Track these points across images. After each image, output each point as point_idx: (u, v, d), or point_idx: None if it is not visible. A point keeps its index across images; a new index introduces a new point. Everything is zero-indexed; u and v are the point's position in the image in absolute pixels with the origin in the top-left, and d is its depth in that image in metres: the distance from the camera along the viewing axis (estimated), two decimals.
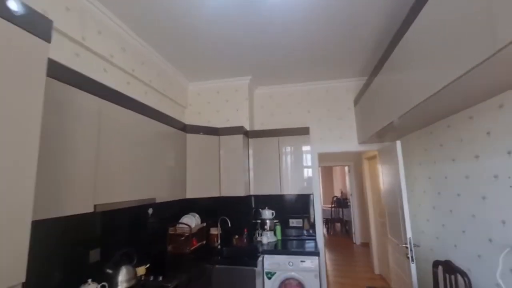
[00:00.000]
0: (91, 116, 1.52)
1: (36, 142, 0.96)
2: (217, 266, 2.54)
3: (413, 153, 2.76)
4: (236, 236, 3.09)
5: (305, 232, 3.32)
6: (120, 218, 2.07)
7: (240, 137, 3.02)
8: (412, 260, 2.32)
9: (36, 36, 1.00)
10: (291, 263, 2.71)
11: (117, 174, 1.70)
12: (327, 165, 6.49)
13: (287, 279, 2.71)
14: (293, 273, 2.71)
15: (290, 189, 3.16)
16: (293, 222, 3.35)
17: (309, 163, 3.19)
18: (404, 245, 2.44)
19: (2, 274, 0.83)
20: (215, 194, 2.93)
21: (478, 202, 1.78)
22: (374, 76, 2.60)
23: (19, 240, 0.89)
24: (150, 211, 2.44)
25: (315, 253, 2.72)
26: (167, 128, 2.40)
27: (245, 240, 3.07)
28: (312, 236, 3.29)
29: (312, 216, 3.34)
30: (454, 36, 1.32)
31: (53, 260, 1.51)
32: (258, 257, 2.66)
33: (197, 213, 2.98)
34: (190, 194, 2.71)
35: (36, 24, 1.00)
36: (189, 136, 2.80)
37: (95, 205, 1.49)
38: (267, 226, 3.19)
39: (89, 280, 1.63)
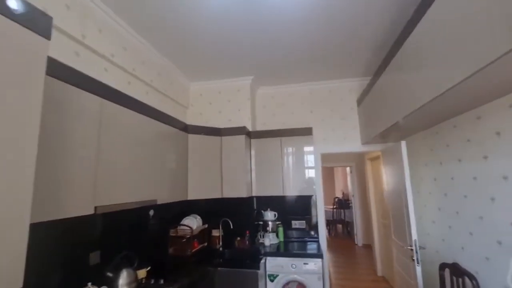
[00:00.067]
0: (91, 116, 1.49)
1: (35, 142, 0.93)
2: (219, 268, 2.50)
3: (418, 154, 2.73)
4: (238, 238, 3.05)
5: (307, 233, 3.28)
6: (121, 220, 2.04)
7: (242, 138, 2.98)
8: (418, 263, 2.28)
9: (35, 33, 0.97)
10: (294, 265, 2.67)
11: (118, 175, 1.66)
12: (328, 165, 6.45)
13: (290, 281, 2.67)
14: (296, 276, 2.66)
15: (292, 190, 3.13)
16: (296, 224, 3.31)
17: (312, 164, 3.16)
18: (409, 247, 2.40)
19: None
20: (217, 195, 2.90)
21: (487, 203, 1.74)
22: (378, 76, 2.57)
23: (16, 243, 0.85)
24: (151, 212, 2.41)
25: (318, 255, 2.68)
26: (169, 129, 2.37)
27: (247, 242, 3.04)
28: (315, 238, 3.25)
29: (314, 218, 3.30)
30: (464, 34, 1.28)
31: (52, 263, 1.48)
32: (260, 259, 2.62)
33: (199, 215, 2.95)
34: (191, 195, 2.67)
35: (35, 21, 0.97)
36: (191, 137, 2.76)
37: (95, 207, 1.46)
38: (269, 228, 3.15)
39: (89, 284, 1.59)
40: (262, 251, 2.79)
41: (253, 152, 3.25)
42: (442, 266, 2.03)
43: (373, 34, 2.41)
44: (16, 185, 0.86)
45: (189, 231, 2.62)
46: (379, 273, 4.23)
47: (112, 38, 2.09)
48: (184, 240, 2.61)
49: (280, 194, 3.13)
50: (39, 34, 0.98)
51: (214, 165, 2.92)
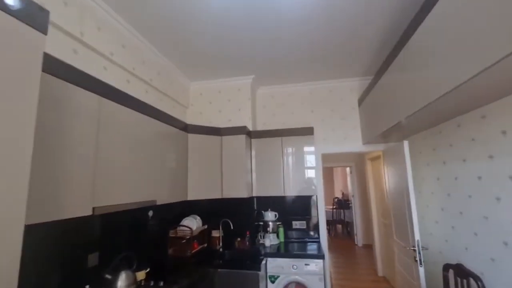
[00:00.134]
0: (90, 115, 1.45)
1: (31, 140, 0.90)
2: (219, 270, 2.47)
3: (420, 154, 2.70)
4: (238, 239, 3.02)
5: (308, 234, 3.25)
6: (120, 221, 2.00)
7: (242, 137, 2.95)
8: (421, 264, 2.26)
9: (31, 27, 0.93)
10: (295, 266, 2.64)
11: (116, 175, 1.63)
12: (328, 165, 6.42)
13: (291, 282, 2.64)
14: (297, 277, 2.64)
15: (293, 190, 3.10)
16: (296, 224, 3.29)
17: (313, 164, 3.13)
18: (412, 248, 2.37)
19: None
20: (217, 195, 2.86)
21: (492, 203, 1.72)
22: (379, 75, 2.55)
23: (10, 246, 0.82)
24: (151, 213, 2.37)
25: (320, 256, 2.65)
26: (168, 128, 2.34)
27: (247, 242, 3.00)
28: (316, 238, 3.22)
29: (315, 218, 3.28)
30: (470, 32, 1.26)
31: (49, 265, 1.44)
32: (261, 260, 2.59)
33: (199, 215, 2.91)
34: (191, 196, 2.63)
35: (32, 15, 0.94)
36: (191, 136, 2.73)
37: (93, 208, 1.42)
38: (270, 228, 3.12)
39: (87, 286, 1.56)
40: (263, 252, 2.76)
41: (253, 152, 3.22)
42: (446, 267, 2.01)
43: (374, 33, 2.39)
44: (10, 185, 0.83)
45: (189, 232, 2.59)
46: (380, 273, 4.21)
47: (111, 36, 2.05)
48: (184, 241, 2.58)
49: (281, 194, 3.10)
50: (36, 29, 0.95)
51: (214, 165, 2.89)
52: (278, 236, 3.19)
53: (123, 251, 1.88)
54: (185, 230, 2.61)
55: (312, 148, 3.14)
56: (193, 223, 2.74)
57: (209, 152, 2.87)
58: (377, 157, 3.92)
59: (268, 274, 2.68)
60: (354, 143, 3.36)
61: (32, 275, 1.33)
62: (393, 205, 3.07)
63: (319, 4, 1.98)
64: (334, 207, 7.45)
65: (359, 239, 6.17)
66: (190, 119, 3.39)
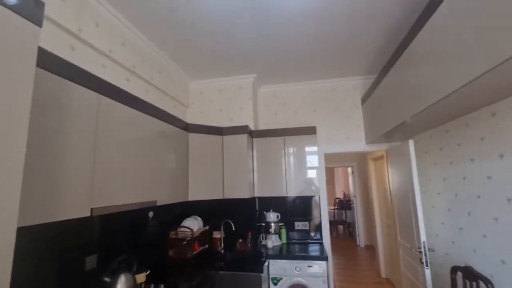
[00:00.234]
0: (88, 113, 1.40)
1: (24, 138, 0.84)
2: (220, 272, 2.42)
3: (426, 153, 2.65)
4: (240, 240, 2.97)
5: (311, 235, 3.20)
6: (119, 222, 1.95)
7: (244, 137, 2.90)
8: (427, 265, 2.21)
9: (25, 18, 0.89)
10: (297, 268, 2.59)
11: (115, 175, 1.58)
12: (329, 166, 6.36)
13: (294, 285, 2.59)
14: (300, 279, 2.59)
15: (295, 190, 3.04)
16: (299, 225, 3.24)
17: (315, 164, 3.08)
18: (418, 249, 2.32)
19: None
20: (218, 196, 2.81)
21: (503, 204, 1.66)
22: (384, 74, 2.50)
23: (1, 249, 0.77)
24: (151, 214, 2.32)
25: (323, 257, 2.60)
26: (169, 127, 2.29)
27: (249, 244, 2.95)
28: (319, 240, 3.17)
29: (318, 219, 3.23)
30: (483, 27, 1.21)
31: (45, 268, 1.39)
32: (263, 262, 2.54)
33: (200, 216, 2.86)
34: (192, 196, 2.58)
35: (26, 6, 0.89)
36: (192, 136, 2.68)
37: (92, 209, 1.37)
38: (272, 229, 3.07)
39: None
40: (265, 254, 2.72)
41: (255, 152, 3.17)
42: (454, 270, 1.96)
43: (377, 31, 2.35)
44: (1, 185, 0.77)
45: (189, 233, 2.54)
46: (383, 275, 4.16)
47: (110, 33, 2.01)
48: (185, 242, 2.53)
49: (283, 194, 3.05)
50: (30, 20, 0.90)
51: (215, 165, 2.84)
52: (280, 237, 3.14)
53: (122, 253, 1.83)
54: (186, 231, 2.56)
55: (314, 148, 3.09)
56: (194, 224, 2.69)
57: (210, 151, 2.82)
58: (380, 157, 3.87)
59: (271, 276, 2.63)
60: (357, 143, 3.31)
61: (27, 279, 1.28)
62: (398, 206, 3.02)
63: (322, 1, 1.94)
64: (336, 207, 7.40)
65: (361, 240, 6.12)
66: (190, 119, 3.34)
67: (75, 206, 1.28)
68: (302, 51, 2.68)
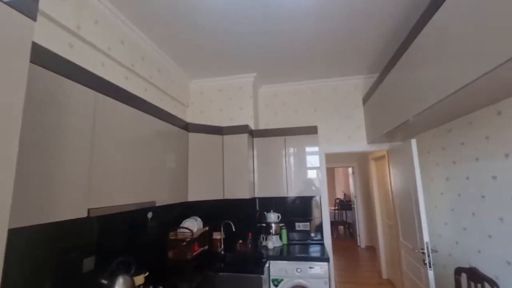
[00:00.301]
0: (85, 111, 1.37)
1: (16, 135, 0.81)
2: (220, 273, 2.38)
3: (428, 153, 2.63)
4: (240, 241, 2.94)
5: (312, 236, 3.17)
6: (117, 223, 1.92)
7: (245, 137, 2.87)
8: (430, 266, 2.18)
9: (18, 11, 0.85)
10: (299, 270, 2.56)
11: (113, 175, 1.54)
12: (329, 166, 6.32)
13: (295, 286, 2.56)
14: (301, 280, 2.56)
15: (296, 191, 3.01)
16: (300, 226, 3.21)
17: (316, 164, 3.05)
18: (421, 250, 2.29)
19: None
20: (218, 196, 2.78)
21: (508, 204, 1.64)
22: (385, 73, 2.48)
23: None
24: (150, 215, 2.28)
25: (324, 258, 2.57)
26: (168, 127, 2.25)
27: (249, 245, 2.92)
28: (320, 240, 3.14)
29: (319, 219, 3.20)
30: (488, 24, 1.19)
31: (41, 271, 1.35)
32: (264, 263, 2.51)
33: (199, 217, 2.83)
34: (192, 197, 2.55)
35: None
36: (192, 135, 2.65)
37: (89, 210, 1.33)
38: (273, 230, 3.04)
39: None
40: (265, 255, 2.68)
41: (255, 152, 3.13)
42: (458, 271, 1.92)
43: (376, 31, 2.33)
44: None
45: (189, 234, 2.50)
46: (384, 276, 4.13)
47: (110, 31, 1.98)
48: (184, 243, 2.49)
49: (283, 195, 3.02)
50: (23, 14, 0.87)
51: (215, 165, 2.81)
52: (281, 238, 3.11)
53: (120, 254, 1.80)
54: (186, 232, 2.53)
55: (315, 148, 3.06)
56: (193, 225, 2.65)
57: (210, 151, 2.79)
58: (381, 157, 3.84)
59: (271, 278, 2.59)
60: (359, 143, 3.28)
61: (22, 281, 1.24)
62: (399, 206, 2.99)
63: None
64: (336, 208, 7.37)
65: (362, 241, 6.09)
66: (190, 118, 3.31)
67: (71, 207, 1.25)
68: (302, 48, 2.65)
